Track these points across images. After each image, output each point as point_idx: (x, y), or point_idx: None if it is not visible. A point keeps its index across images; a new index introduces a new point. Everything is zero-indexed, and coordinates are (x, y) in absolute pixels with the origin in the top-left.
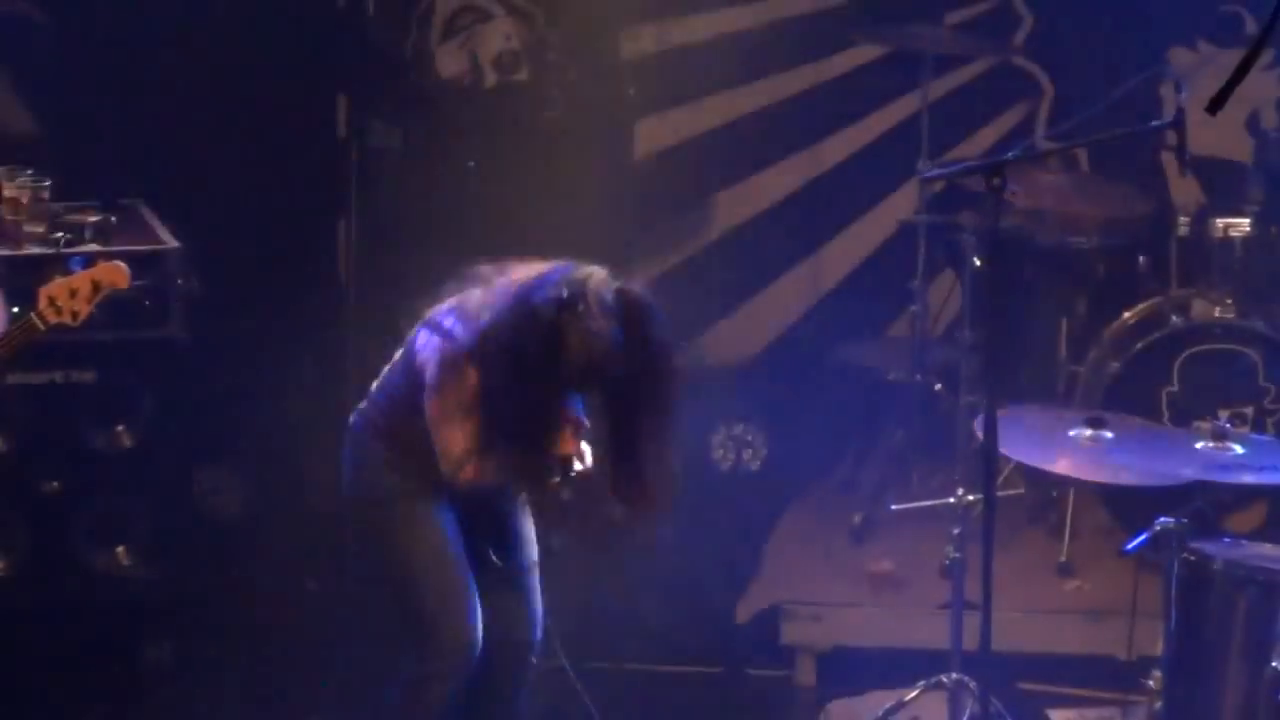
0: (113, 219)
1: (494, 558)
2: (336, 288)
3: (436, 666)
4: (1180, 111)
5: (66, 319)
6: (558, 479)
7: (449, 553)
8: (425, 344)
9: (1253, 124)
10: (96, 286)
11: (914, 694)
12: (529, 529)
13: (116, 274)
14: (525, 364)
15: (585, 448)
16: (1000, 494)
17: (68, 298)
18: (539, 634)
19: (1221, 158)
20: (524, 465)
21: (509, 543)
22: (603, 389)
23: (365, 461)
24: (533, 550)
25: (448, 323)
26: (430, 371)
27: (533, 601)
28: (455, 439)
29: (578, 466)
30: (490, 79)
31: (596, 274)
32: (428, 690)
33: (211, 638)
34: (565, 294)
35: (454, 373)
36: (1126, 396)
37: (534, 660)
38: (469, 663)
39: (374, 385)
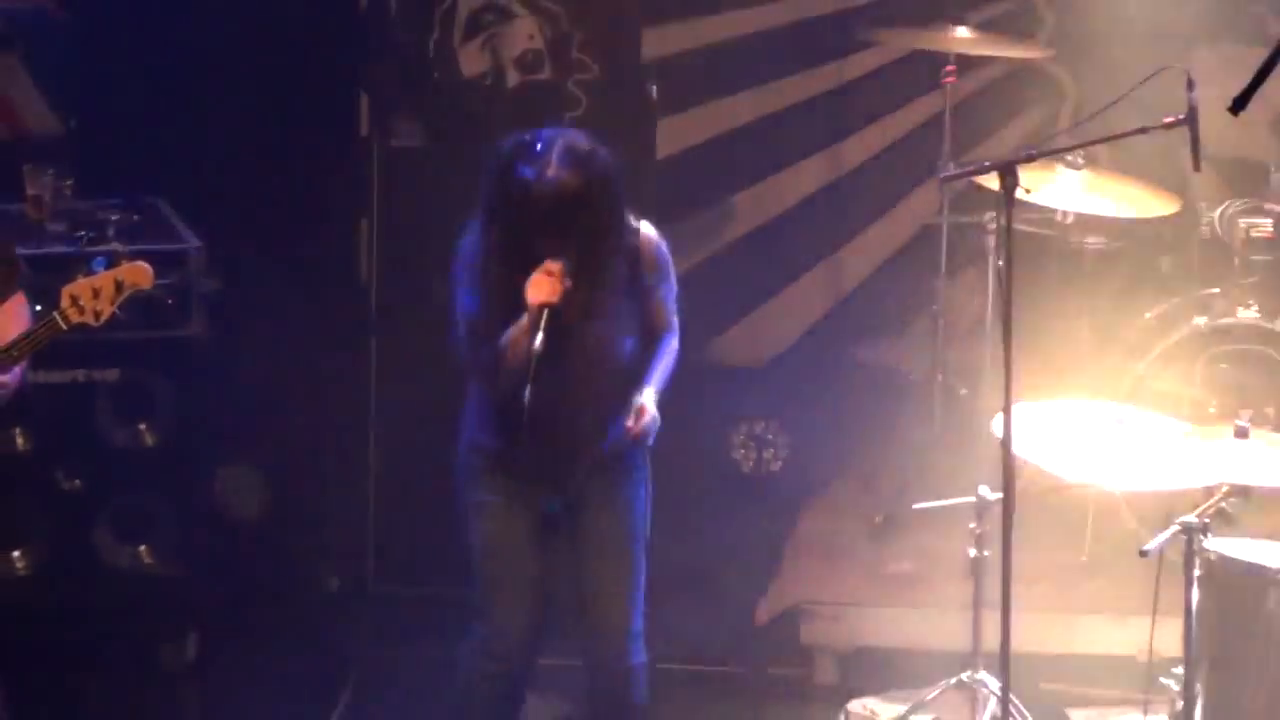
0: (135, 217)
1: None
2: (358, 287)
3: (480, 644)
4: (1192, 108)
5: (89, 318)
6: (536, 330)
7: (505, 529)
8: None
9: (1278, 125)
10: (120, 286)
11: (934, 694)
12: (613, 498)
13: (140, 274)
14: (487, 199)
15: (558, 295)
16: (1020, 493)
17: (90, 297)
18: (630, 622)
19: (1245, 158)
20: (498, 312)
21: (586, 511)
22: (561, 236)
23: (459, 450)
24: (610, 522)
25: None
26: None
27: (604, 583)
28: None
29: (549, 303)
30: (513, 78)
31: (571, 130)
32: (471, 665)
33: (233, 636)
34: (527, 137)
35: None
36: (1149, 396)
37: (626, 648)
38: (509, 653)
39: None
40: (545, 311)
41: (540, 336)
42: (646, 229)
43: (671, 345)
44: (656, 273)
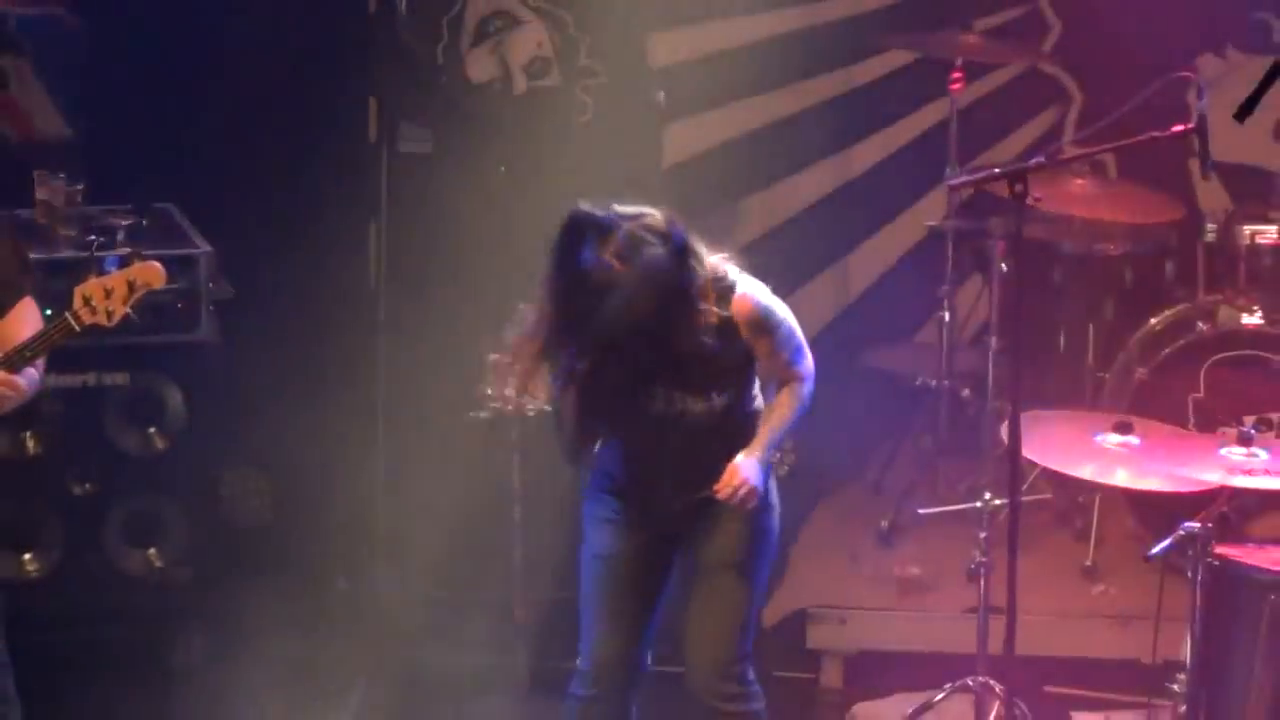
0: (145, 222)
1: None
2: (367, 291)
3: (580, 675)
4: (1201, 117)
5: (101, 319)
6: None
7: (615, 570)
8: None
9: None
10: (132, 286)
11: (940, 697)
12: (728, 536)
13: (151, 273)
14: (547, 282)
15: None
16: (1026, 498)
17: (103, 297)
18: (718, 664)
19: (1249, 165)
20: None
21: (700, 548)
22: (620, 328)
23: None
24: (720, 560)
25: None
26: None
27: (707, 622)
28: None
29: None
30: (520, 84)
31: (640, 209)
32: (574, 693)
33: (241, 637)
34: (596, 214)
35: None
36: (1153, 402)
37: (712, 691)
38: (607, 679)
39: None
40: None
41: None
42: (743, 290)
43: (794, 396)
44: (758, 331)
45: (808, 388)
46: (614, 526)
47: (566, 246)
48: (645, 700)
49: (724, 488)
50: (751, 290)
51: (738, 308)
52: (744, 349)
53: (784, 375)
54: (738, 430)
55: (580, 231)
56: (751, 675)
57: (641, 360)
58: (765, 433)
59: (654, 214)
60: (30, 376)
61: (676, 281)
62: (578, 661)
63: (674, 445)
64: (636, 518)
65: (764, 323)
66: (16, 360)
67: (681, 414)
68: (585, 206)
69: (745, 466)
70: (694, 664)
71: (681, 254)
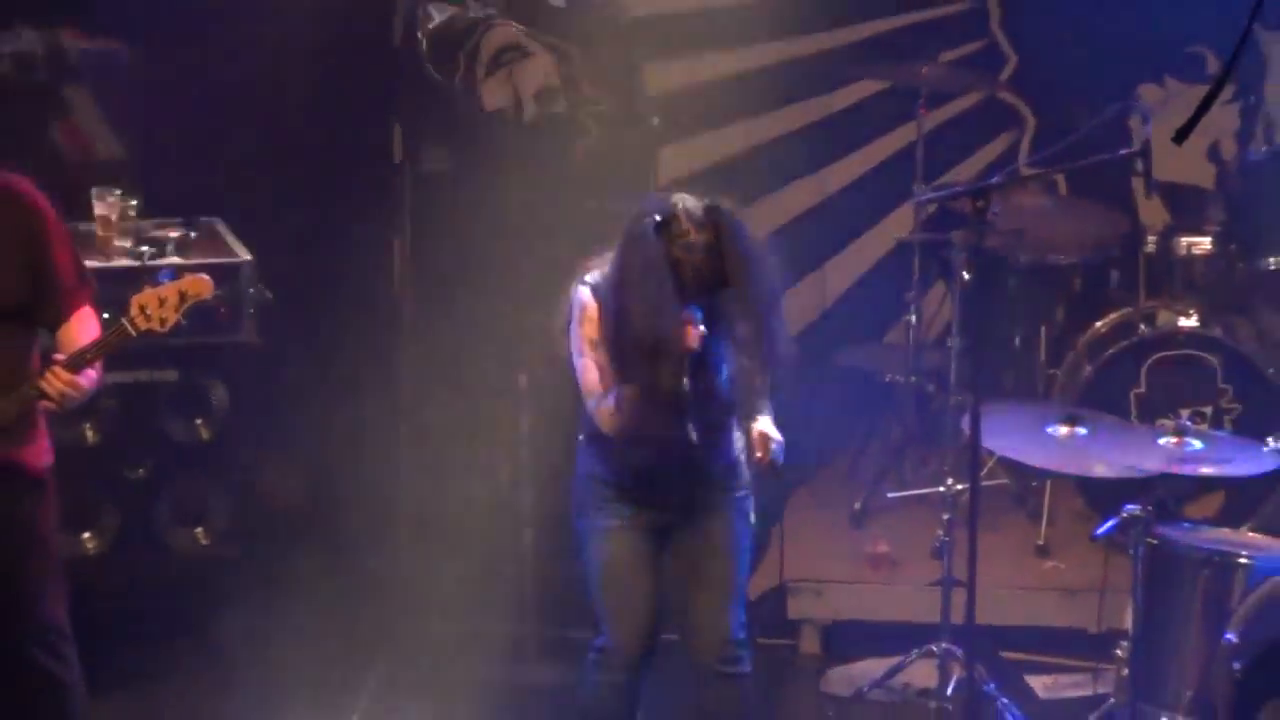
0: (192, 234)
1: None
2: (391, 298)
3: (600, 657)
4: (1146, 141)
5: (155, 325)
6: (684, 373)
7: (624, 557)
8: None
9: (1214, 153)
10: (183, 297)
11: (907, 661)
12: (722, 518)
13: (202, 285)
14: (638, 279)
15: (696, 339)
16: (985, 483)
17: (157, 306)
18: (733, 632)
19: (1186, 183)
20: (657, 373)
21: (689, 530)
22: (709, 291)
23: (576, 473)
24: (718, 540)
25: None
26: (567, 317)
27: (708, 596)
28: (590, 370)
29: (691, 349)
30: (530, 110)
31: (683, 196)
32: (592, 674)
33: (280, 609)
34: (660, 218)
35: (581, 310)
36: (1099, 396)
37: (715, 657)
38: (627, 663)
39: None
40: (687, 358)
41: (687, 380)
42: (764, 253)
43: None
44: (770, 290)
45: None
46: (615, 533)
47: (646, 244)
48: (664, 666)
49: (763, 452)
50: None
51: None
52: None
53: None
54: (728, 407)
55: (650, 228)
56: (745, 639)
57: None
58: (766, 399)
59: (683, 195)
60: (90, 377)
61: (745, 237)
62: (597, 645)
63: (711, 424)
64: (634, 516)
65: (775, 272)
66: (79, 362)
67: (720, 392)
68: (644, 202)
69: (770, 429)
70: (702, 635)
71: (732, 209)
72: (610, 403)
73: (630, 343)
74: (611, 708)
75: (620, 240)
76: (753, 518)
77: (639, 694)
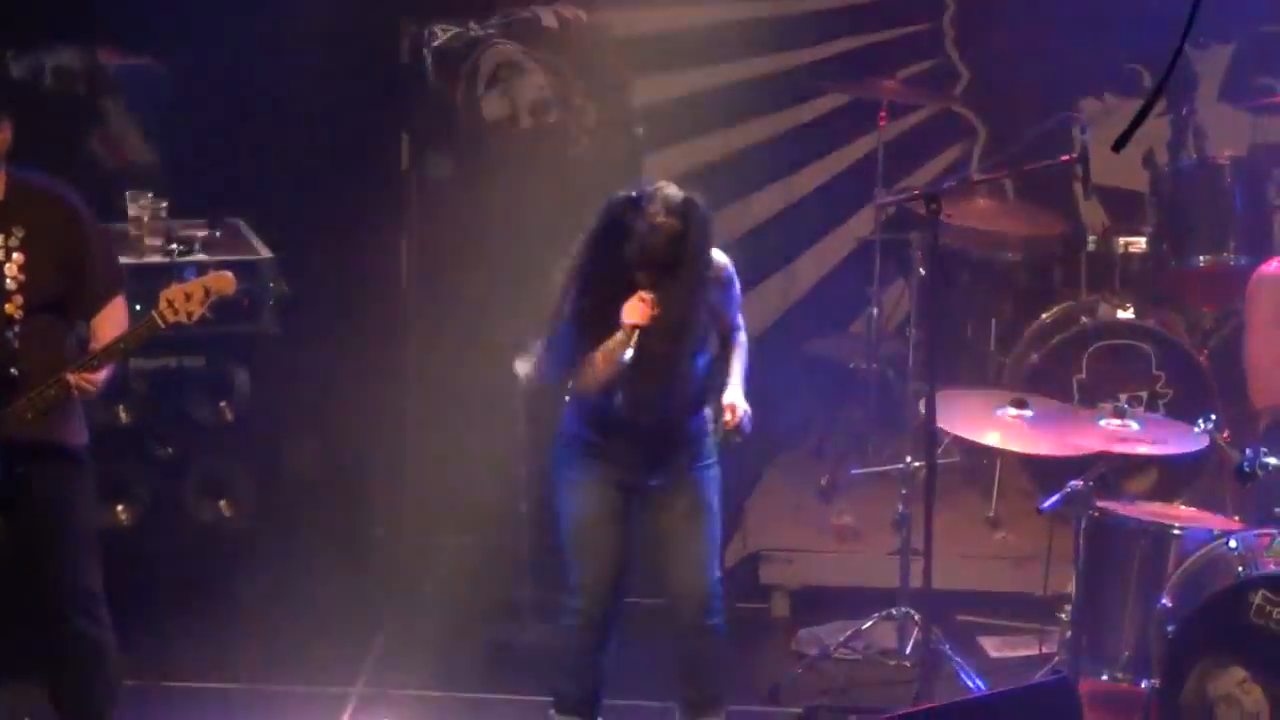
0: (217, 233)
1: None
2: (398, 292)
3: (571, 604)
4: (1084, 148)
5: (182, 318)
6: (626, 347)
7: (592, 512)
8: None
9: (1148, 160)
10: (208, 292)
11: (869, 624)
12: (693, 486)
13: (225, 282)
14: (600, 243)
15: (648, 318)
16: (940, 461)
17: (184, 300)
18: (701, 586)
19: (1123, 188)
20: (598, 325)
21: (661, 496)
22: (661, 271)
23: (556, 439)
24: (688, 501)
25: None
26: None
27: (688, 554)
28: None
29: (640, 325)
30: (526, 121)
31: (669, 185)
32: (566, 620)
33: (299, 574)
34: (635, 194)
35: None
36: (1044, 382)
37: (697, 610)
38: (595, 609)
39: None
40: (636, 331)
41: (630, 351)
42: (719, 256)
43: (741, 341)
44: (723, 291)
45: (744, 336)
46: (588, 486)
47: (616, 219)
48: (646, 631)
49: (734, 419)
50: (723, 256)
51: (715, 263)
52: (713, 306)
53: (729, 329)
54: (702, 391)
55: (624, 206)
56: (720, 595)
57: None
58: (736, 376)
59: (668, 185)
60: (105, 375)
61: (707, 230)
62: (568, 599)
63: (653, 402)
64: (606, 473)
65: (729, 281)
66: (113, 352)
67: (683, 370)
68: (617, 193)
69: (738, 399)
70: (684, 592)
71: (706, 208)
72: (539, 349)
73: (588, 304)
74: (578, 651)
75: (598, 213)
76: (721, 482)
77: (607, 641)
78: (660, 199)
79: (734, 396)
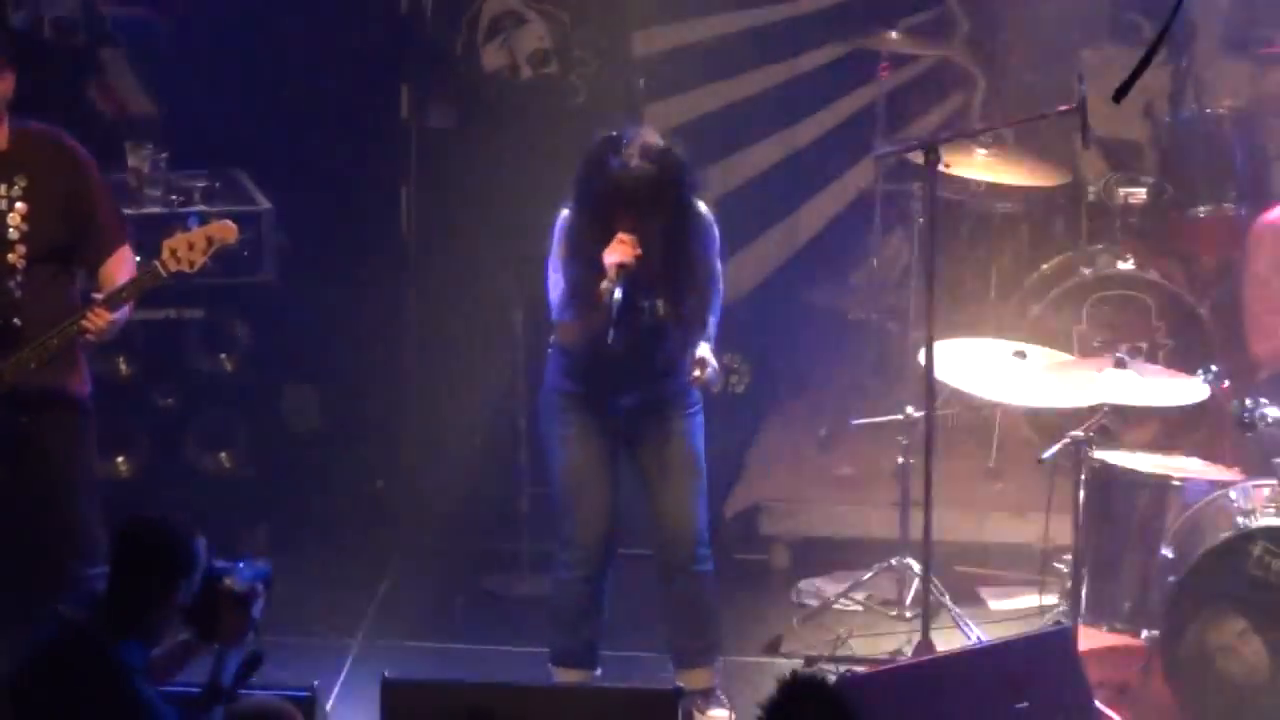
0: (217, 184)
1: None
2: (399, 242)
3: (563, 556)
4: (1082, 99)
5: (184, 266)
6: (615, 286)
7: (580, 458)
8: None
9: (1149, 111)
10: (210, 241)
11: (869, 575)
12: (678, 432)
13: (227, 231)
14: (581, 183)
15: (631, 257)
16: (940, 412)
17: (186, 249)
18: (700, 533)
19: (1123, 138)
20: (586, 272)
21: (646, 446)
22: (638, 213)
23: (541, 393)
24: (673, 451)
25: None
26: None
27: (673, 500)
28: (556, 286)
29: (625, 263)
30: (526, 72)
31: (651, 131)
32: (559, 573)
33: (297, 526)
34: (616, 134)
35: (558, 230)
36: (1044, 333)
37: (685, 556)
38: (588, 559)
39: None
40: (620, 271)
41: (618, 291)
42: (701, 206)
43: (719, 291)
44: (703, 240)
45: (722, 285)
46: (574, 439)
47: (596, 157)
48: (648, 581)
49: (702, 374)
50: (704, 207)
51: (697, 213)
52: (693, 254)
53: (707, 273)
54: (685, 336)
55: (605, 145)
56: (708, 540)
57: (649, 257)
58: (708, 334)
59: (652, 132)
60: (123, 312)
61: (687, 176)
62: (560, 552)
63: (639, 346)
64: (591, 424)
65: (709, 230)
66: (115, 300)
67: (654, 316)
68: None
69: (706, 353)
70: (672, 537)
71: (684, 157)
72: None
73: (573, 246)
74: (574, 603)
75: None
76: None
77: (602, 591)
78: (638, 143)
79: (703, 351)
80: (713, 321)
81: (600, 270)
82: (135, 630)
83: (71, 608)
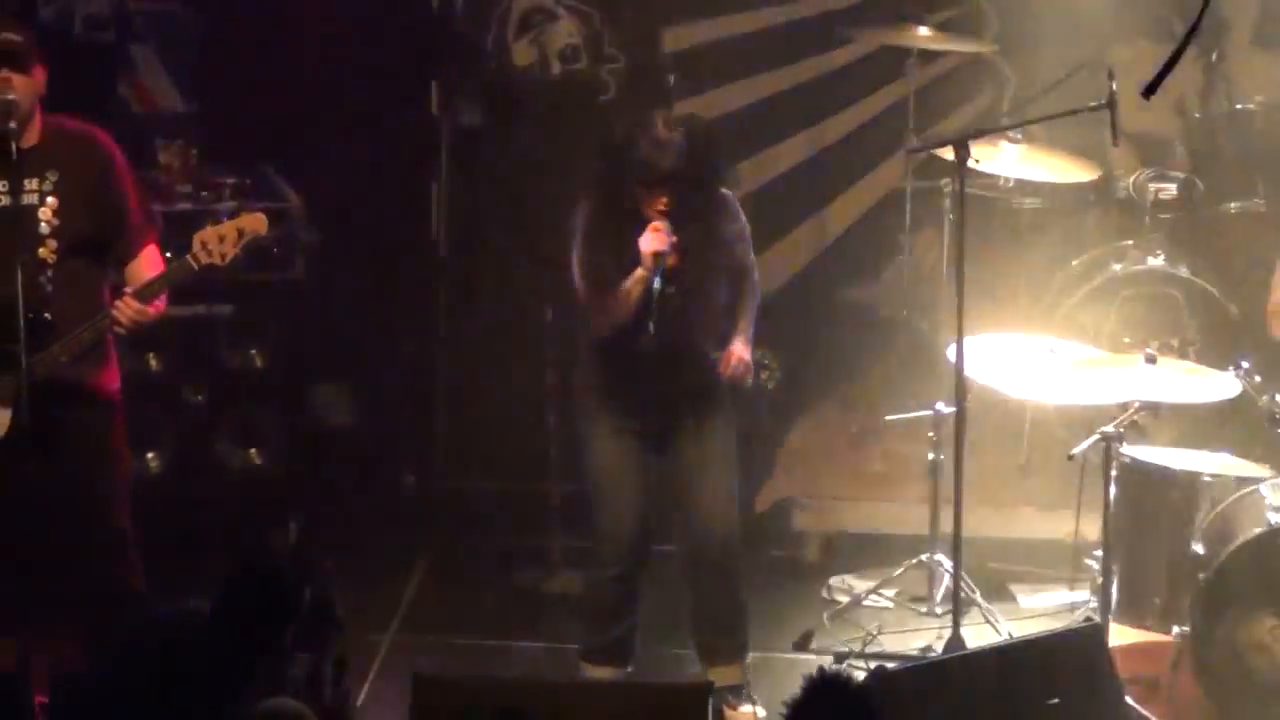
0: (247, 180)
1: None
2: (429, 239)
3: (598, 554)
4: (1112, 95)
5: (215, 259)
6: (653, 275)
7: (614, 456)
8: None
9: (1180, 107)
10: (241, 233)
11: (899, 571)
12: (710, 427)
13: (258, 222)
14: (605, 168)
15: (668, 244)
16: (970, 408)
17: (217, 242)
18: (733, 525)
19: (1154, 134)
20: (616, 262)
21: (679, 443)
22: (670, 193)
23: (574, 382)
24: (705, 448)
25: None
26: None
27: (705, 496)
28: (575, 261)
29: (662, 251)
30: (555, 68)
31: (665, 112)
32: (594, 571)
33: (327, 522)
34: (634, 121)
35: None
36: (1075, 329)
37: (714, 552)
38: (623, 556)
39: None
40: (658, 259)
41: (658, 281)
42: (728, 193)
43: (753, 287)
44: (732, 218)
45: (757, 276)
46: (607, 436)
47: (621, 141)
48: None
49: (727, 368)
50: (728, 191)
51: (723, 195)
52: (724, 239)
53: (740, 263)
54: (719, 323)
55: (628, 129)
56: (738, 535)
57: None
58: (743, 324)
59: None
60: (157, 307)
61: (712, 141)
62: (594, 550)
63: (672, 333)
64: (624, 421)
65: (736, 212)
66: (146, 294)
67: (702, 295)
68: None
69: (739, 349)
70: (703, 532)
71: (710, 124)
72: (584, 290)
73: (600, 235)
74: (606, 599)
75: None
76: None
77: (635, 589)
78: (660, 117)
79: (736, 345)
80: (749, 310)
81: (631, 259)
82: (239, 672)
83: (163, 640)
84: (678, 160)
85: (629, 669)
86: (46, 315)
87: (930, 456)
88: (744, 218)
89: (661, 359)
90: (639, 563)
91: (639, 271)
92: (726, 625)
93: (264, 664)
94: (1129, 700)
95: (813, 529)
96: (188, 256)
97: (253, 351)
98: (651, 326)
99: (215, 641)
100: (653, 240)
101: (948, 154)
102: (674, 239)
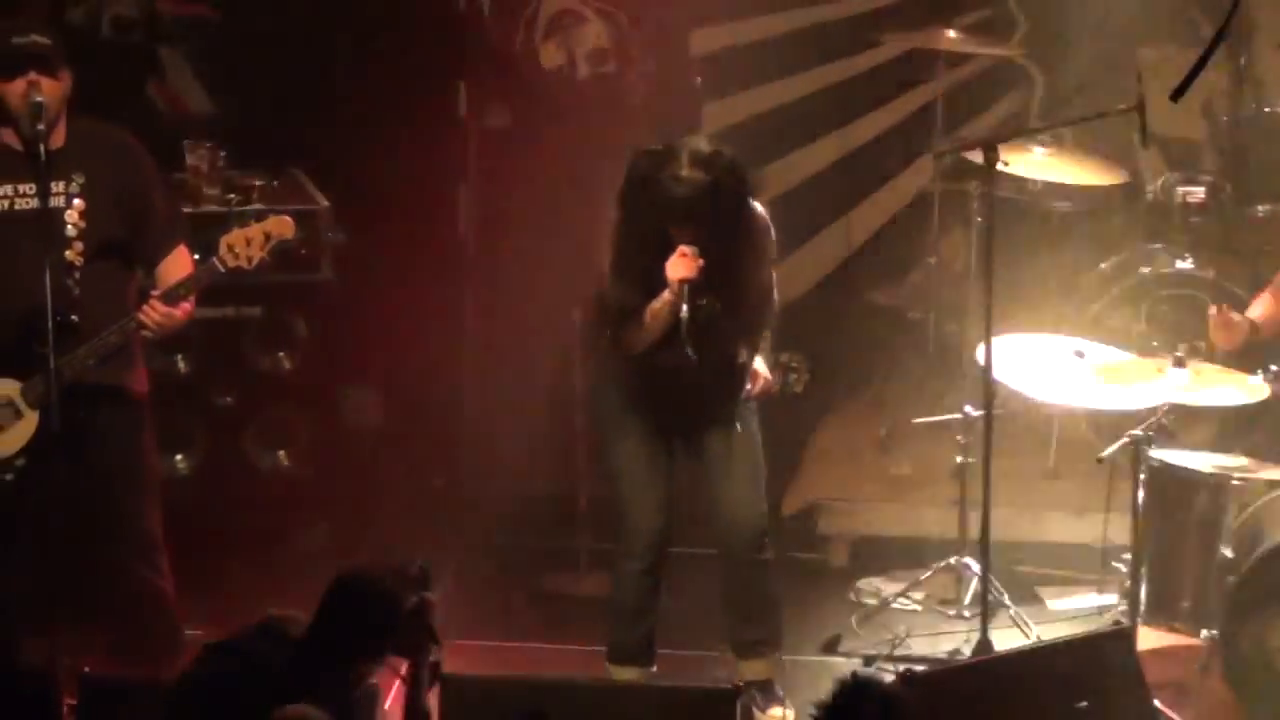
0: (274, 183)
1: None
2: (457, 240)
3: (624, 548)
4: (1140, 98)
5: (243, 263)
6: (681, 300)
7: (639, 452)
8: None
9: (1207, 110)
10: (268, 236)
11: (927, 574)
12: (737, 422)
13: (284, 225)
14: (629, 201)
15: (695, 270)
16: (998, 411)
17: (244, 245)
18: (762, 523)
19: (1182, 137)
20: (642, 288)
21: (705, 440)
22: (698, 225)
23: (595, 384)
24: (731, 444)
25: None
26: None
27: (734, 490)
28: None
29: (689, 278)
30: (584, 70)
31: (697, 139)
32: (620, 565)
33: (356, 524)
34: (661, 148)
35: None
36: (1103, 332)
37: (744, 545)
38: (648, 549)
39: None
40: (685, 286)
41: (685, 307)
42: (757, 206)
43: (772, 308)
44: (762, 239)
45: (775, 296)
46: (632, 437)
47: (645, 173)
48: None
49: (755, 389)
50: (761, 209)
51: (756, 216)
52: (749, 261)
53: (764, 285)
54: (739, 339)
55: (651, 160)
56: (767, 529)
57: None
58: (764, 346)
59: (698, 138)
60: (185, 309)
61: (740, 176)
62: (622, 543)
63: (701, 352)
64: (648, 422)
65: (767, 232)
66: (173, 296)
67: (710, 316)
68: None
69: (763, 369)
70: (733, 526)
71: (735, 157)
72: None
73: (626, 263)
74: (634, 595)
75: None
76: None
77: (659, 585)
78: (687, 152)
79: (760, 366)
80: (768, 335)
81: (657, 285)
82: (337, 677)
83: (253, 650)
84: (701, 201)
85: (653, 669)
86: (73, 318)
87: (958, 459)
88: (773, 233)
89: (688, 370)
90: (661, 558)
91: (665, 294)
92: (758, 618)
93: (358, 669)
94: (1157, 704)
95: (840, 532)
96: (214, 259)
97: (281, 353)
98: (690, 351)
99: (312, 647)
100: (680, 266)
101: (976, 157)
102: (700, 262)
